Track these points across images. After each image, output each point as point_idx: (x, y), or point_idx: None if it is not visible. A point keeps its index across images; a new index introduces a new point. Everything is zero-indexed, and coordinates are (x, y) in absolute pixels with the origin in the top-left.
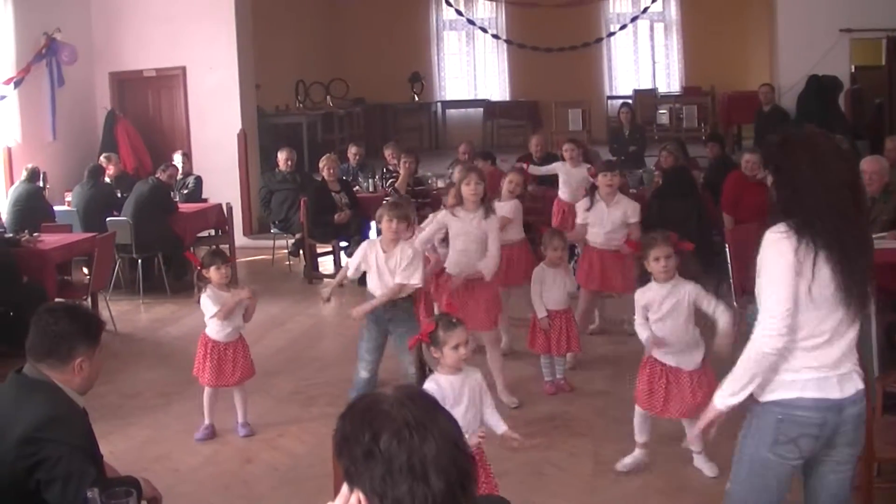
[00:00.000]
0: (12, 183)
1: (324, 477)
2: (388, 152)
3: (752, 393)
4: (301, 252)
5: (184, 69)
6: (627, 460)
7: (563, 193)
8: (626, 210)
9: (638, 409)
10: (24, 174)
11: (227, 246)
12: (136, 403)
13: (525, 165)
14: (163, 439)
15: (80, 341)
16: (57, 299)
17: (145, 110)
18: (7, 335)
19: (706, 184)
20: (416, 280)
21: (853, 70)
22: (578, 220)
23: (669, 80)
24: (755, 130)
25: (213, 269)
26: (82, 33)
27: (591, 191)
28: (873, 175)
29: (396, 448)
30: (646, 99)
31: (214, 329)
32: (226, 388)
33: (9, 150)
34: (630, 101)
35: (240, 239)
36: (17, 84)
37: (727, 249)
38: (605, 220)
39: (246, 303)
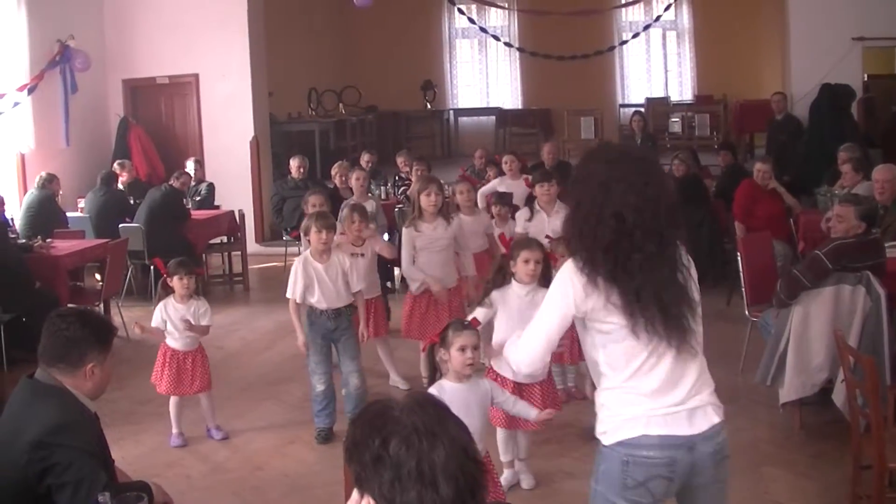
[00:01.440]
0: (26, 189)
1: (334, 484)
2: (400, 160)
3: (597, 436)
4: None
5: (196, 76)
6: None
7: None
8: (563, 216)
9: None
10: (37, 181)
11: (239, 253)
12: (148, 410)
13: (462, 170)
14: (174, 445)
15: (91, 346)
16: (69, 305)
17: (158, 117)
18: (20, 340)
19: (718, 192)
20: (362, 285)
21: (866, 78)
22: (518, 230)
23: (682, 89)
24: (767, 139)
25: (175, 278)
26: (95, 40)
27: (530, 201)
28: (885, 184)
29: (405, 454)
30: (658, 107)
31: (171, 338)
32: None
33: (22, 156)
34: (642, 109)
35: (252, 246)
36: (30, 91)
37: (739, 258)
38: (546, 229)
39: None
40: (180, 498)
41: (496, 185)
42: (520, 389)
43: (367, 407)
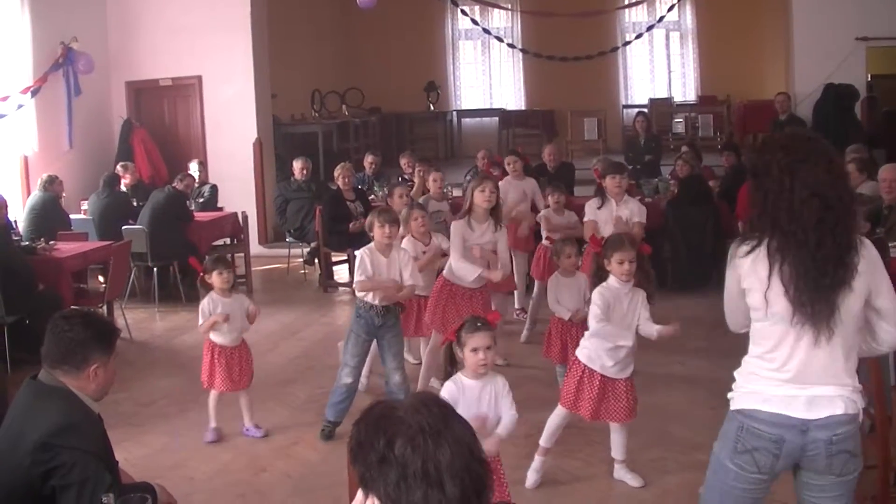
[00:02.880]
0: (29, 192)
1: (338, 486)
2: (403, 161)
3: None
4: (316, 261)
5: (199, 78)
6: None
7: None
8: (632, 209)
9: (559, 411)
10: (39, 182)
11: (243, 254)
12: (151, 411)
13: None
14: (178, 447)
15: (94, 348)
16: (72, 307)
17: (161, 119)
18: (23, 342)
19: (722, 193)
20: (417, 280)
21: (869, 78)
22: (588, 218)
23: (685, 89)
24: None
25: (214, 274)
26: (99, 43)
27: (600, 191)
28: (893, 183)
29: (411, 454)
30: (661, 108)
31: (219, 334)
32: (231, 393)
33: (25, 158)
34: (645, 109)
35: (255, 247)
36: (34, 93)
37: None
38: (613, 217)
39: (237, 314)
40: (184, 499)
41: (503, 186)
42: (604, 384)
43: (371, 407)
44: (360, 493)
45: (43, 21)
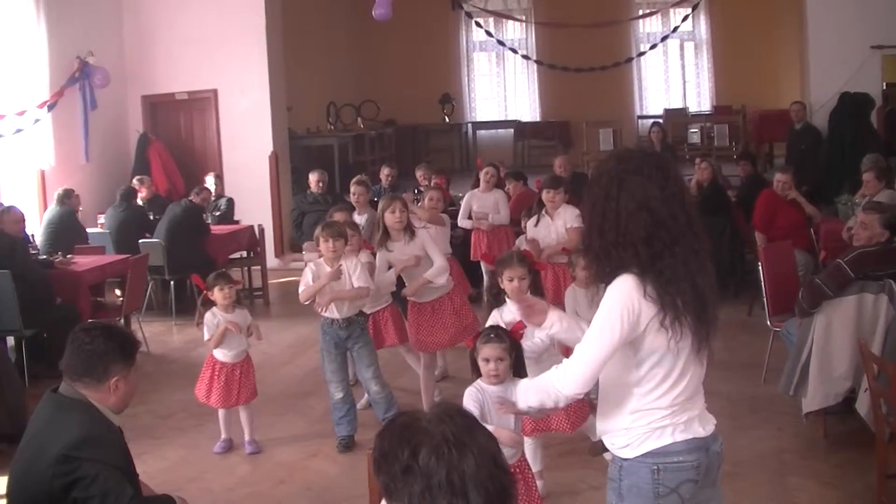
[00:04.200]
0: (46, 206)
1: (357, 497)
2: (419, 173)
3: (609, 456)
4: None
5: (215, 92)
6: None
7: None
8: (565, 217)
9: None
10: (56, 196)
11: (259, 267)
12: (170, 424)
13: (439, 182)
14: (196, 460)
15: (115, 360)
16: (90, 320)
17: (177, 133)
18: (41, 356)
19: (738, 202)
20: (370, 283)
21: (885, 87)
22: (529, 236)
23: (700, 99)
24: (787, 148)
25: (216, 290)
26: (115, 57)
27: (538, 206)
28: None
29: (435, 464)
30: (676, 118)
31: (221, 351)
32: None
33: (42, 173)
34: (661, 120)
35: (272, 260)
36: (50, 107)
37: (760, 268)
38: (550, 233)
39: (240, 328)
40: None
41: (468, 199)
42: None
43: (395, 418)
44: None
45: (59, 35)
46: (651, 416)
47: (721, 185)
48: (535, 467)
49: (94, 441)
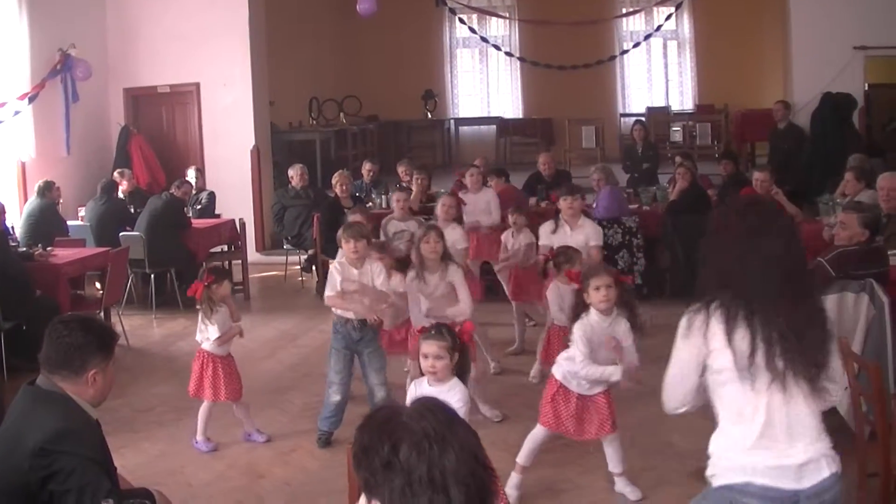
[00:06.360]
0: (26, 198)
1: (337, 493)
2: (401, 169)
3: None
4: (314, 268)
5: (197, 85)
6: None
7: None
8: (588, 234)
9: (539, 430)
10: (36, 188)
11: (240, 262)
12: (149, 418)
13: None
14: (175, 453)
15: (93, 353)
16: (70, 313)
17: (159, 126)
18: (20, 349)
19: (720, 201)
20: (390, 291)
21: (867, 88)
22: (543, 242)
23: (683, 98)
24: (769, 148)
25: (226, 283)
26: (97, 49)
27: (556, 214)
28: (891, 192)
29: (416, 459)
30: (659, 117)
31: (215, 344)
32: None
33: (23, 165)
34: (643, 118)
35: (252, 255)
36: (31, 99)
37: None
38: (568, 241)
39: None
40: None
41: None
42: (580, 401)
43: (375, 413)
44: (363, 499)
45: (41, 28)
46: (733, 448)
47: (700, 185)
48: (525, 461)
49: (71, 434)
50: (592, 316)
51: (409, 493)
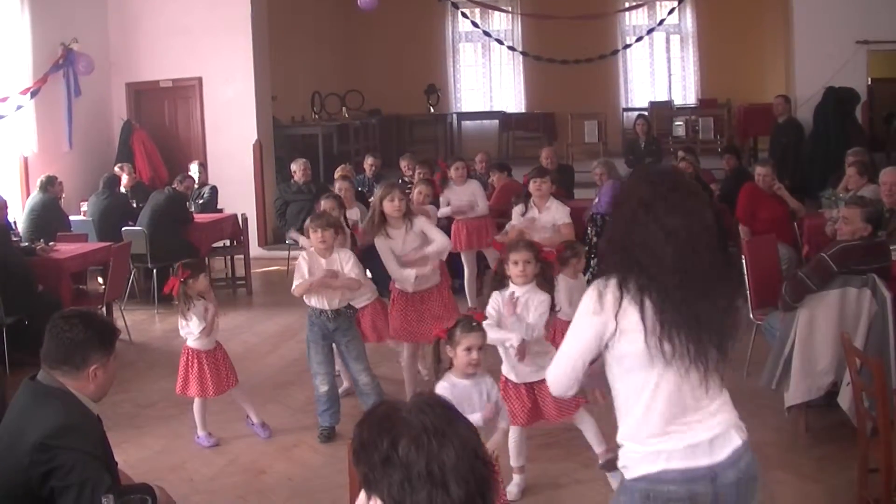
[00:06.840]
0: (29, 192)
1: (338, 488)
2: (403, 163)
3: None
4: None
5: (200, 80)
6: (513, 489)
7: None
8: (554, 214)
9: (514, 430)
10: (38, 183)
11: (242, 256)
12: (151, 413)
13: (435, 179)
14: (177, 449)
15: (94, 348)
16: (71, 308)
17: (161, 121)
18: (22, 343)
19: (722, 196)
20: (362, 277)
21: (870, 82)
22: (512, 223)
23: (685, 92)
24: (770, 142)
25: (202, 277)
26: (99, 44)
27: (526, 197)
28: (893, 186)
29: (415, 454)
30: (662, 111)
31: (202, 336)
32: (218, 397)
33: (25, 159)
34: (646, 113)
35: (255, 249)
36: (33, 94)
37: (743, 261)
38: (537, 223)
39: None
40: (184, 501)
41: (446, 193)
42: (533, 391)
43: (374, 408)
44: (362, 495)
45: (43, 22)
46: (643, 436)
47: (703, 180)
48: (517, 462)
49: (72, 429)
50: (510, 289)
51: (409, 488)
